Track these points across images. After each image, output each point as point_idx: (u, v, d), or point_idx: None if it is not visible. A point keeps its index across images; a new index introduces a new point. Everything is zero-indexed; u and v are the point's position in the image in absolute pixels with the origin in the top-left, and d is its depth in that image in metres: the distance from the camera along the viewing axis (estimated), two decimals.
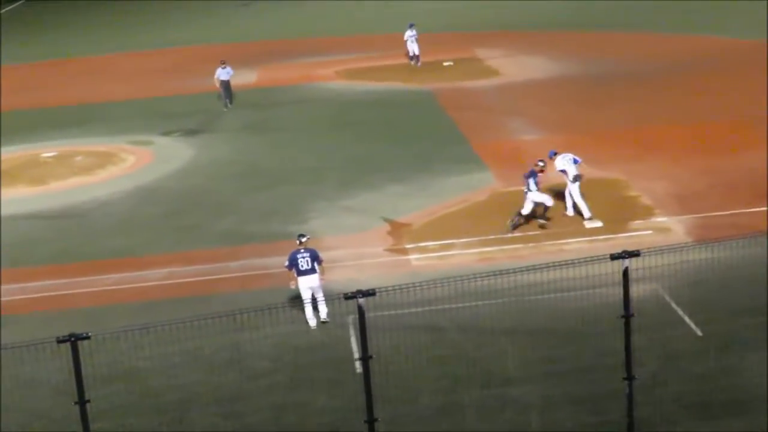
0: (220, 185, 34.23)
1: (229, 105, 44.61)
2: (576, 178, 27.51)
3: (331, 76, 51.60)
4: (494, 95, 44.45)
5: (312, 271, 21.94)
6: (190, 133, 41.58)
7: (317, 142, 38.88)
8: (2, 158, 38.65)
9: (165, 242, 28.83)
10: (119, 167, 37.76)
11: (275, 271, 24.84)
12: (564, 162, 27.90)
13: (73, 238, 29.80)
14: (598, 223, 27.10)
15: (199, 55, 60.84)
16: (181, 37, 71.25)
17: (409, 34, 51.12)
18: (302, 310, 22.03)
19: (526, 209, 26.85)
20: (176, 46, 66.90)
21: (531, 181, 26.52)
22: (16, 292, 25.43)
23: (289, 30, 69.13)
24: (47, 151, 37.82)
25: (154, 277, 26.12)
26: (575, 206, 27.83)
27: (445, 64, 51.97)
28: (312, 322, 22.02)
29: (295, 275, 22.00)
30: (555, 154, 28.34)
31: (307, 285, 22.01)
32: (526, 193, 26.69)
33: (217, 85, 44.83)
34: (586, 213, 27.47)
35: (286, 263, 22.12)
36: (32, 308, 24.55)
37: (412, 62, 51.01)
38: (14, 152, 39.84)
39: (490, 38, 58.06)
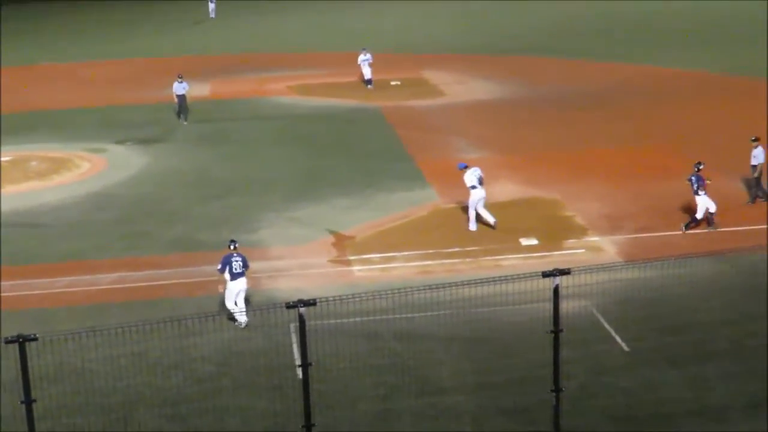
0: (172, 194, 34.11)
1: (184, 122, 44.30)
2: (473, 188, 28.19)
3: (283, 90, 51.70)
4: (439, 115, 44.75)
5: (242, 274, 22.48)
6: (144, 142, 41.39)
7: (268, 154, 38.89)
8: None
9: (115, 247, 28.71)
10: (73, 173, 37.50)
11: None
12: (472, 176, 28.33)
13: (24, 241, 29.53)
14: (534, 241, 27.37)
15: (156, 66, 60.60)
16: (139, 48, 70.90)
17: (363, 59, 51.06)
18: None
19: (700, 213, 27.30)
20: (134, 56, 66.45)
21: (696, 183, 27.16)
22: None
23: (244, 45, 68.92)
24: (2, 155, 37.34)
25: (103, 281, 25.99)
26: (479, 218, 28.27)
27: (393, 83, 52.24)
28: (242, 318, 22.26)
29: (228, 278, 22.39)
30: (465, 167, 28.78)
31: (239, 287, 22.51)
32: (695, 195, 27.26)
33: (174, 99, 44.63)
34: (491, 219, 28.05)
35: (219, 266, 22.47)
36: None
37: (367, 86, 50.96)
38: None
39: (437, 60, 58.41)
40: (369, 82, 50.79)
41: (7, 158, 36.06)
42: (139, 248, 28.39)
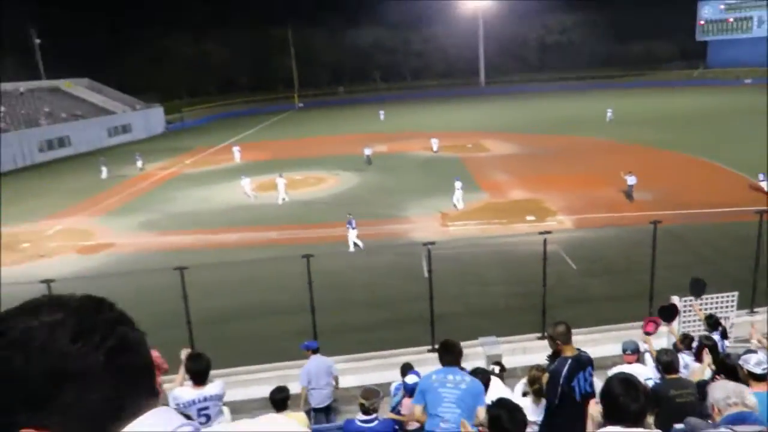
0: (369, 193, 33.70)
1: (369, 165, 42.83)
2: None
3: (420, 149, 49.98)
4: (488, 160, 43.06)
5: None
6: (356, 170, 40.78)
7: (412, 175, 38.47)
8: (284, 179, 36.34)
9: (333, 217, 26.97)
10: (328, 183, 37.44)
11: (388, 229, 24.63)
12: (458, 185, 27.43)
13: (301, 210, 29.45)
14: (533, 217, 26.18)
15: (358, 138, 60.84)
16: (352, 128, 70.95)
17: (433, 141, 47.47)
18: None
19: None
20: (350, 133, 66.57)
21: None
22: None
23: (404, 126, 68.44)
24: (296, 176, 38.30)
25: (313, 236, 24.46)
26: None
27: (468, 146, 50.21)
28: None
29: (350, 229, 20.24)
30: (458, 179, 27.77)
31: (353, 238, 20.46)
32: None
33: (366, 154, 43.11)
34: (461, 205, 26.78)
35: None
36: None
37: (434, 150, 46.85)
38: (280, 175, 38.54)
39: (490, 135, 56.01)
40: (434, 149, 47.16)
41: (299, 177, 36.91)
42: (356, 215, 26.21)
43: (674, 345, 8.15)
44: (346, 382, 10.69)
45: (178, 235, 27.20)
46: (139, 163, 47.92)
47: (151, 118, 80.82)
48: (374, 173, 40.35)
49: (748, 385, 3.86)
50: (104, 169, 45.94)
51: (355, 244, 22.26)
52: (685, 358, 7.01)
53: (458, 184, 27.20)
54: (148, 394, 1.02)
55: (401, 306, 16.55)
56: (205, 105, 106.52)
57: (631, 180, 27.76)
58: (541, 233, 13.42)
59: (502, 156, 45.12)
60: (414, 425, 5.92)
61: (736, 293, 12.25)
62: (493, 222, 25.69)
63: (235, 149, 46.04)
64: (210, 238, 26.15)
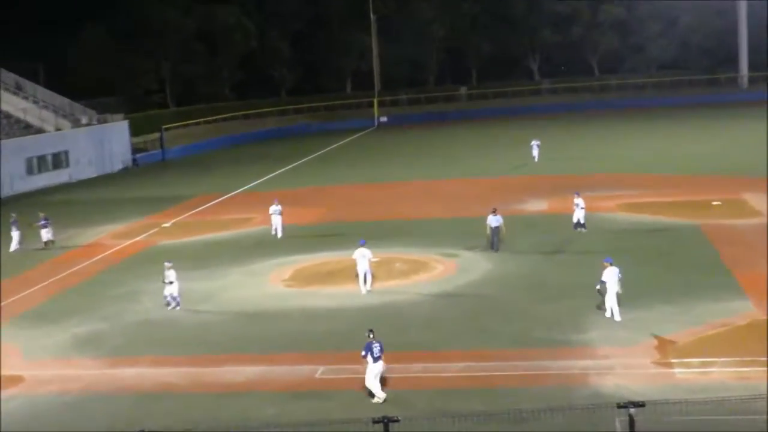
0: (511, 295, 34.11)
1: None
2: None
3: (612, 207, 50.71)
4: (756, 233, 41.99)
5: (380, 358, 23.79)
6: (484, 250, 41.44)
7: (597, 263, 37.99)
8: (335, 260, 40.60)
9: (462, 340, 29.04)
10: (429, 274, 38.41)
11: (554, 372, 24.87)
12: None
13: (385, 330, 30.45)
14: None
15: (499, 185, 61.69)
16: (478, 164, 73.27)
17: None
18: None
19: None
20: (477, 177, 68.06)
21: None
22: (340, 372, 26.35)
23: (577, 168, 68.65)
24: (373, 256, 38.81)
25: (451, 369, 26.34)
26: None
27: (714, 203, 49.77)
28: (380, 394, 23.65)
29: (370, 361, 23.68)
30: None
31: (378, 369, 23.77)
32: None
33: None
34: None
35: (363, 352, 23.74)
36: (346, 386, 25.29)
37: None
38: (337, 256, 41.07)
39: (756, 183, 54.81)
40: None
41: (376, 259, 37.49)
42: (482, 342, 28.56)
43: None
44: None
45: (145, 366, 28.50)
46: (45, 233, 48.30)
47: (107, 141, 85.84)
48: (527, 254, 41.00)
49: None
50: (15, 236, 47.99)
51: None
52: None
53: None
54: None
55: None
56: (207, 119, 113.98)
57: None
58: None
59: None
60: None
61: None
62: (762, 363, 24.83)
63: (274, 208, 47.80)
64: (207, 374, 27.52)
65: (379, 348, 23.87)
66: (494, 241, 41.15)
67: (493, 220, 41.27)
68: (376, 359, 23.72)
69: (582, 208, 44.61)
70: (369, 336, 24.05)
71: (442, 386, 25.12)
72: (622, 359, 26.24)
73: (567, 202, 47.92)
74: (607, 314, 29.84)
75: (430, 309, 33.03)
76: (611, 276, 29.80)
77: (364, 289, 35.32)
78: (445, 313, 32.27)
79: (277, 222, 47.52)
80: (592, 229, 44.62)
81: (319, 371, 26.64)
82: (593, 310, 30.66)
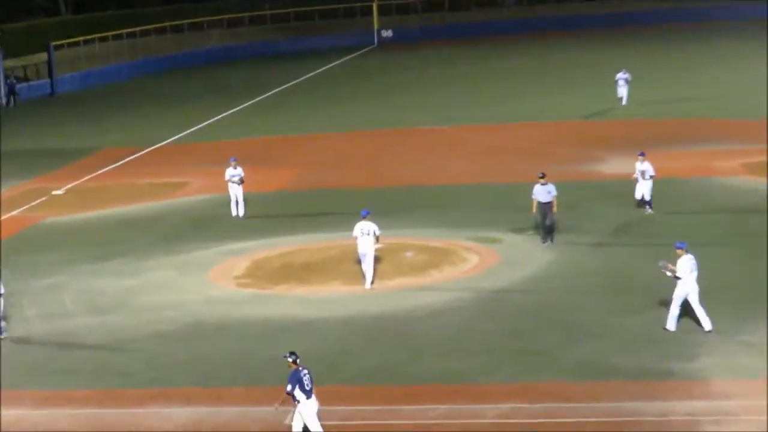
0: (581, 302, 33.93)
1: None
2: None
3: (733, 169, 50.60)
4: None
5: (312, 392, 23.76)
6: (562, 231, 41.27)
7: (711, 254, 37.67)
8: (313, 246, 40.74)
9: (506, 369, 28.85)
10: (457, 269, 38.44)
11: (646, 418, 24.70)
12: None
13: (392, 353, 30.36)
14: None
15: (563, 133, 61.39)
16: (520, 112, 73.07)
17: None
18: None
19: None
20: (533, 120, 68.04)
21: None
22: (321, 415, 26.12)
23: (679, 109, 68.14)
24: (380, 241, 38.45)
25: (489, 413, 26.02)
26: None
27: None
28: None
29: (303, 398, 23.57)
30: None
31: (314, 408, 23.82)
32: None
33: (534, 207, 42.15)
34: None
35: (288, 386, 23.61)
36: None
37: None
38: (332, 240, 41.49)
39: None
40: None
41: (379, 245, 37.10)
42: (536, 371, 28.32)
43: None
44: None
45: (27, 407, 28.35)
46: None
47: None
48: (606, 241, 40.86)
49: None
50: None
51: None
52: None
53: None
54: None
55: None
56: (118, 32, 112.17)
57: None
58: None
59: None
60: None
61: None
62: None
63: (233, 173, 47.38)
64: (118, 419, 27.37)
65: (309, 378, 23.83)
66: (544, 226, 40.32)
67: (542, 192, 40.11)
68: (308, 394, 23.69)
69: (650, 176, 43.96)
70: (291, 361, 23.97)
71: None
72: (748, 400, 25.92)
73: (663, 161, 47.56)
74: (668, 326, 30.27)
75: (457, 322, 32.78)
76: (684, 267, 30.11)
77: (368, 282, 35.87)
78: (478, 329, 32.05)
79: (237, 193, 47.44)
80: (702, 202, 44.41)
81: (289, 416, 26.37)
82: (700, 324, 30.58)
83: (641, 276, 35.67)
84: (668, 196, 45.24)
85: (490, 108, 74.64)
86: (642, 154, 44.44)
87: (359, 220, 35.94)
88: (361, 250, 35.77)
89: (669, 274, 30.24)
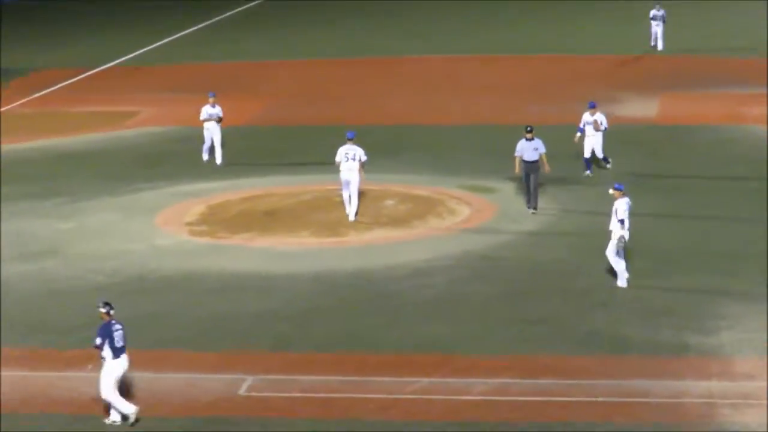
0: (589, 263, 34.00)
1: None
2: None
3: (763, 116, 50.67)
4: None
5: (124, 350, 23.91)
6: (553, 182, 41.50)
7: (741, 215, 38.01)
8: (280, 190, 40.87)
9: (499, 338, 28.97)
10: (445, 221, 38.63)
11: (657, 400, 24.80)
12: None
13: (367, 317, 30.50)
14: None
15: (568, 67, 61.33)
16: (529, 41, 73.27)
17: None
18: None
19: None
20: (540, 53, 68.11)
21: None
22: (278, 386, 26.25)
23: (708, 42, 68.21)
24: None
25: (476, 389, 26.05)
26: None
27: None
28: (128, 409, 23.86)
29: (109, 356, 23.59)
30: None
31: (122, 368, 23.94)
32: None
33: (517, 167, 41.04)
34: None
35: (98, 339, 23.54)
36: (296, 412, 25.01)
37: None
38: (303, 184, 41.48)
39: None
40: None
41: (362, 176, 37.13)
42: (532, 342, 28.41)
43: None
44: None
45: None
46: None
47: None
48: (601, 196, 40.14)
49: None
50: None
51: None
52: None
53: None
54: None
55: None
56: None
57: None
58: None
59: None
60: None
61: None
62: None
63: (210, 112, 47.02)
64: (48, 383, 27.41)
65: (121, 334, 23.90)
66: (530, 190, 39.53)
67: (528, 149, 39.25)
68: (118, 352, 23.74)
69: (601, 129, 43.33)
70: (104, 312, 24.07)
71: (462, 417, 24.79)
72: None
73: (691, 105, 47.63)
74: (619, 282, 31.41)
75: (442, 283, 33.00)
76: (623, 210, 31.28)
77: (351, 213, 36.77)
78: (467, 292, 32.21)
79: (214, 135, 46.64)
80: (732, 154, 44.49)
81: (245, 385, 26.48)
82: (725, 294, 30.76)
83: (657, 235, 35.83)
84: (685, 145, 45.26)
85: (494, 34, 74.43)
86: (592, 105, 43.87)
87: (346, 141, 36.67)
88: (344, 176, 36.40)
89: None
